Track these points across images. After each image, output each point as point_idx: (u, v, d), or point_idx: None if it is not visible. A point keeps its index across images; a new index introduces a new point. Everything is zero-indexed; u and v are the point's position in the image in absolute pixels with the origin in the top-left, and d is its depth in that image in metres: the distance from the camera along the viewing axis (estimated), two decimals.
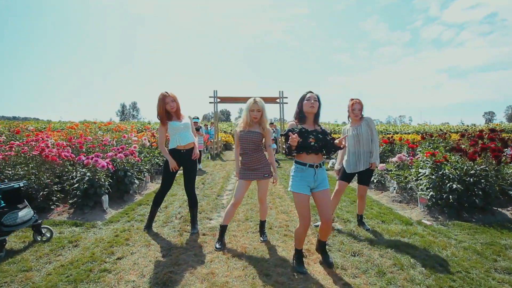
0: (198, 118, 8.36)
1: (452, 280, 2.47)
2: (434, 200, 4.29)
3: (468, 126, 34.18)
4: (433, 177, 4.38)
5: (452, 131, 25.85)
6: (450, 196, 4.04)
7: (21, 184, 3.16)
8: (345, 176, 3.70)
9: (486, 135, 5.02)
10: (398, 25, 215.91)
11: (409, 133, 27.96)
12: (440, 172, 4.31)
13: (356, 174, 3.70)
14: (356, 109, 3.59)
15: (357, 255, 2.95)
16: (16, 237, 3.30)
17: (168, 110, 3.43)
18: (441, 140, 8.27)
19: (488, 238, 3.32)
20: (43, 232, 3.22)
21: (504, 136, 5.69)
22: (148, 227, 3.63)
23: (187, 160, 3.55)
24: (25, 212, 3.12)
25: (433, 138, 8.54)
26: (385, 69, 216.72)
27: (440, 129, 12.02)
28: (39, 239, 3.20)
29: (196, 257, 2.92)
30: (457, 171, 4.27)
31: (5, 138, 6.85)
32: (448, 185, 4.11)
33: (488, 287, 2.37)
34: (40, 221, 3.21)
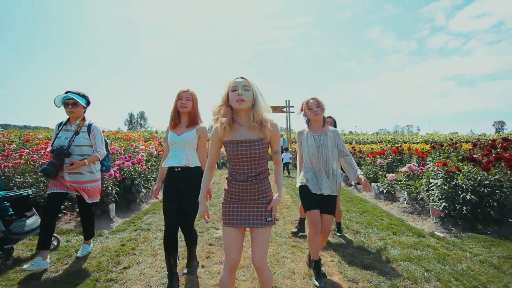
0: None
1: None
2: (447, 211, 4.17)
3: (478, 135, 33.56)
4: (446, 187, 4.27)
5: (462, 140, 25.43)
6: (464, 208, 3.91)
7: (30, 192, 3.17)
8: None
9: (499, 145, 4.89)
10: (404, 35, 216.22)
11: (417, 143, 27.61)
12: (453, 183, 4.20)
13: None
14: (313, 106, 2.58)
15: (369, 268, 2.85)
16: (23, 245, 3.30)
17: (178, 109, 2.53)
18: (452, 150, 8.11)
19: (505, 252, 3.19)
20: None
21: None
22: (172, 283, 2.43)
23: (182, 183, 2.47)
24: (33, 220, 3.12)
25: (443, 147, 8.38)
26: (391, 77, 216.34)
27: (450, 139, 11.80)
28: None
29: (203, 268, 2.86)
30: (470, 181, 4.16)
31: (15, 146, 6.95)
32: (461, 196, 4.00)
33: None
34: None
